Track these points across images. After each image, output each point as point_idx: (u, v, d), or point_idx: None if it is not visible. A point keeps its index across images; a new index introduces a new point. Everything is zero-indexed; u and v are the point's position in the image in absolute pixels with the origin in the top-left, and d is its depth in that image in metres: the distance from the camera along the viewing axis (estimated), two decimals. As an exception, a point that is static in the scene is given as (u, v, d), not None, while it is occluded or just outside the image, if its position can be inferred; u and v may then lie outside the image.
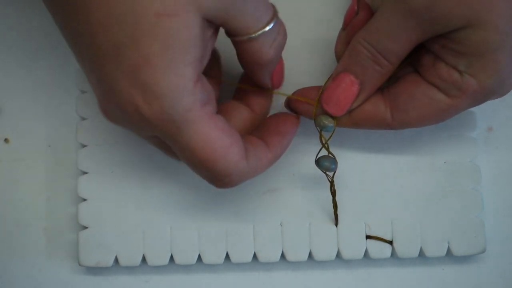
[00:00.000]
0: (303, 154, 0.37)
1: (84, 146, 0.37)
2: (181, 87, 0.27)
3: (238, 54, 0.31)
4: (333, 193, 0.36)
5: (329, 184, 0.36)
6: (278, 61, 0.32)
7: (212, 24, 0.28)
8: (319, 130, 0.34)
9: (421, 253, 0.37)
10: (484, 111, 0.40)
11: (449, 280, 0.38)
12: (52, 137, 0.39)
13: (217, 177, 0.30)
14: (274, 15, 0.30)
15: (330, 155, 0.35)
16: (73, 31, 0.28)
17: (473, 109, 0.38)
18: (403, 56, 0.32)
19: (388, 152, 0.38)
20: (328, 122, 0.34)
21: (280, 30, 0.30)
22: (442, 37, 0.31)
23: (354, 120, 0.35)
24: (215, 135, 0.29)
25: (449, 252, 0.37)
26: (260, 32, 0.29)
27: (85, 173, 0.37)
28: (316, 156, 0.35)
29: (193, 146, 0.28)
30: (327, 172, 0.35)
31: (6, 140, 0.40)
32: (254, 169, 0.31)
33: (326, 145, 0.35)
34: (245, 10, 0.28)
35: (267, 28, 0.29)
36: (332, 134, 0.34)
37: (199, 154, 0.29)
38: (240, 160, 0.30)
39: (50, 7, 0.29)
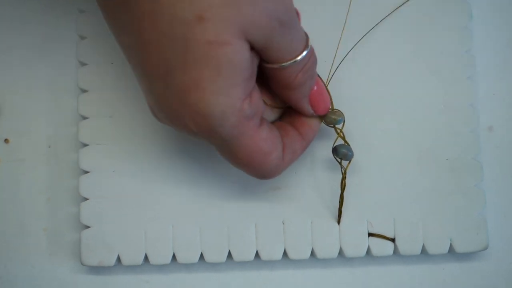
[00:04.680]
0: (304, 153, 0.37)
1: (85, 145, 0.37)
2: (229, 107, 0.28)
3: (268, 79, 0.31)
4: (343, 187, 0.36)
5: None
6: (312, 86, 0.32)
7: None
8: (332, 126, 0.35)
9: (423, 251, 0.37)
10: (485, 110, 0.40)
11: (452, 278, 0.38)
12: (52, 137, 0.39)
13: (257, 176, 0.32)
14: (307, 45, 0.30)
15: (346, 143, 0.35)
16: (125, 44, 0.29)
17: (474, 107, 0.38)
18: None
19: (390, 149, 0.38)
20: (336, 116, 0.35)
21: (311, 56, 0.31)
22: None
23: None
24: (257, 147, 0.30)
25: (451, 249, 0.37)
26: (291, 62, 0.30)
27: (86, 172, 0.37)
28: (333, 144, 0.36)
29: (237, 156, 0.31)
30: (342, 162, 0.36)
31: (6, 140, 0.39)
32: (290, 161, 0.33)
33: (341, 133, 0.35)
34: (282, 43, 0.29)
35: (298, 58, 0.30)
36: (344, 124, 0.35)
37: (242, 162, 0.31)
38: (279, 163, 0.32)
39: (105, 16, 0.29)
